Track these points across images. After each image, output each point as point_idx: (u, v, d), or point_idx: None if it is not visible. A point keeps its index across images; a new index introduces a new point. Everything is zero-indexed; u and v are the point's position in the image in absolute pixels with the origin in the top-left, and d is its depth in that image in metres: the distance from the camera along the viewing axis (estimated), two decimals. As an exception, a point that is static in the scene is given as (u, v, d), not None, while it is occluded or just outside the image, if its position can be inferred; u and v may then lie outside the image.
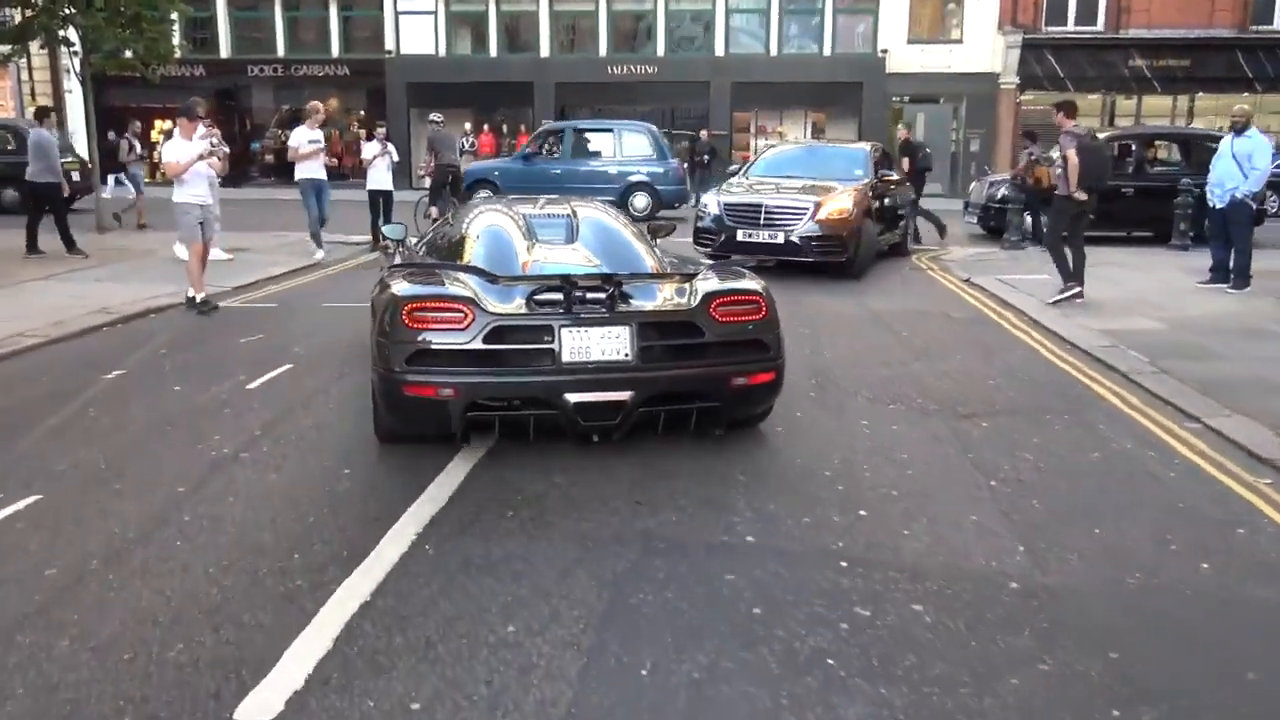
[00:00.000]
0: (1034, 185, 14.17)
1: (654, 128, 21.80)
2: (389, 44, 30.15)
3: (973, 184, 18.62)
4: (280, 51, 30.69)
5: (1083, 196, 9.93)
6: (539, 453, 5.06)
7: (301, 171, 13.13)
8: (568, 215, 5.98)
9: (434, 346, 4.65)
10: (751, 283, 5.26)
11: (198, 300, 9.10)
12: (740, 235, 11.70)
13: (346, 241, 14.74)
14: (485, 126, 30.28)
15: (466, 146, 30.21)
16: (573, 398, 4.64)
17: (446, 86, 29.52)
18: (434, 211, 16.29)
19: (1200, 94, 28.59)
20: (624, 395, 4.70)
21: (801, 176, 12.75)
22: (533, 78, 29.66)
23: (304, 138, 13.15)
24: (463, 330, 4.63)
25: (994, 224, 16.59)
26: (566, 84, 29.66)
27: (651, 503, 4.48)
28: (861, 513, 4.40)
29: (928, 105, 29.48)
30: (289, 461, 5.01)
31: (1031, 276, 11.18)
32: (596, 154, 21.05)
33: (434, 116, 16.47)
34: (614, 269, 5.11)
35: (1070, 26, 28.37)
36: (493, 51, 30.24)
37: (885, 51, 28.82)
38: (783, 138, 30.23)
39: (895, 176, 14.22)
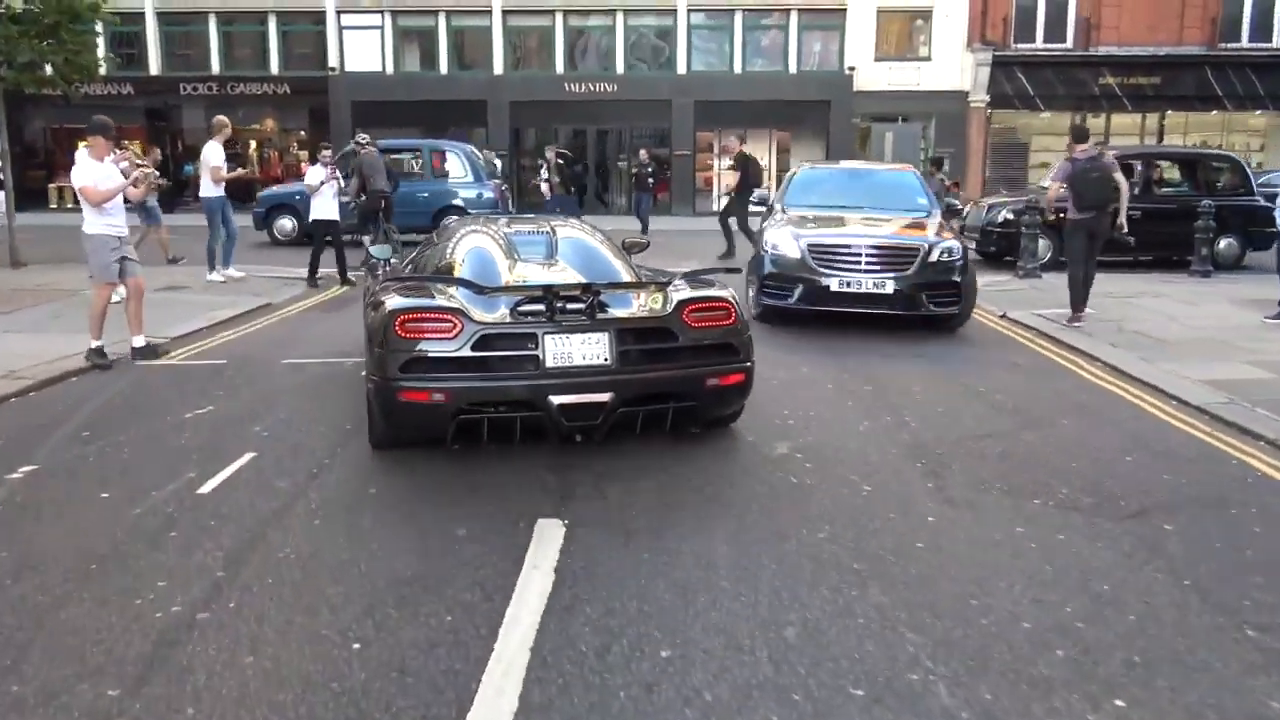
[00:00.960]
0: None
1: (472, 148, 19.81)
2: (332, 60, 28.49)
3: (968, 206, 17.51)
4: (215, 68, 28.85)
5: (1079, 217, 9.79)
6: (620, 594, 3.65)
7: (213, 190, 12.63)
8: (547, 233, 6.29)
9: (426, 354, 4.95)
10: (721, 291, 5.58)
11: (94, 347, 7.84)
12: (833, 283, 9.11)
13: (288, 277, 13.14)
14: (436, 147, 28.74)
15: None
16: (556, 400, 4.92)
17: (394, 105, 27.95)
18: (367, 242, 14.83)
19: (1170, 111, 28.14)
20: (604, 396, 4.98)
21: (862, 207, 10.52)
22: (485, 96, 28.21)
23: (220, 155, 12.74)
24: (452, 339, 4.94)
25: (995, 249, 15.58)
26: (521, 102, 28.25)
27: None
28: None
29: (896, 124, 28.58)
30: (268, 626, 3.50)
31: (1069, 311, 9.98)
32: (406, 176, 18.31)
33: (359, 137, 14.57)
34: (593, 280, 5.33)
35: (1039, 44, 27.74)
36: (443, 68, 28.72)
37: (852, 69, 27.90)
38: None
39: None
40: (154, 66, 28.81)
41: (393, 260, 7.35)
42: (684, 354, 5.24)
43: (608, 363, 5.01)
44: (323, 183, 12.84)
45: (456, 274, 5.66)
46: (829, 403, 6.79)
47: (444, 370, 4.96)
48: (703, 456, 5.52)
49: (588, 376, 4.98)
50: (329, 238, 12.80)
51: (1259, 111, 28.23)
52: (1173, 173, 17.22)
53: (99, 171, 7.80)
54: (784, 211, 10.69)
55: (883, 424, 6.19)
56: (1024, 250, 13.86)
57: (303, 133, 30.10)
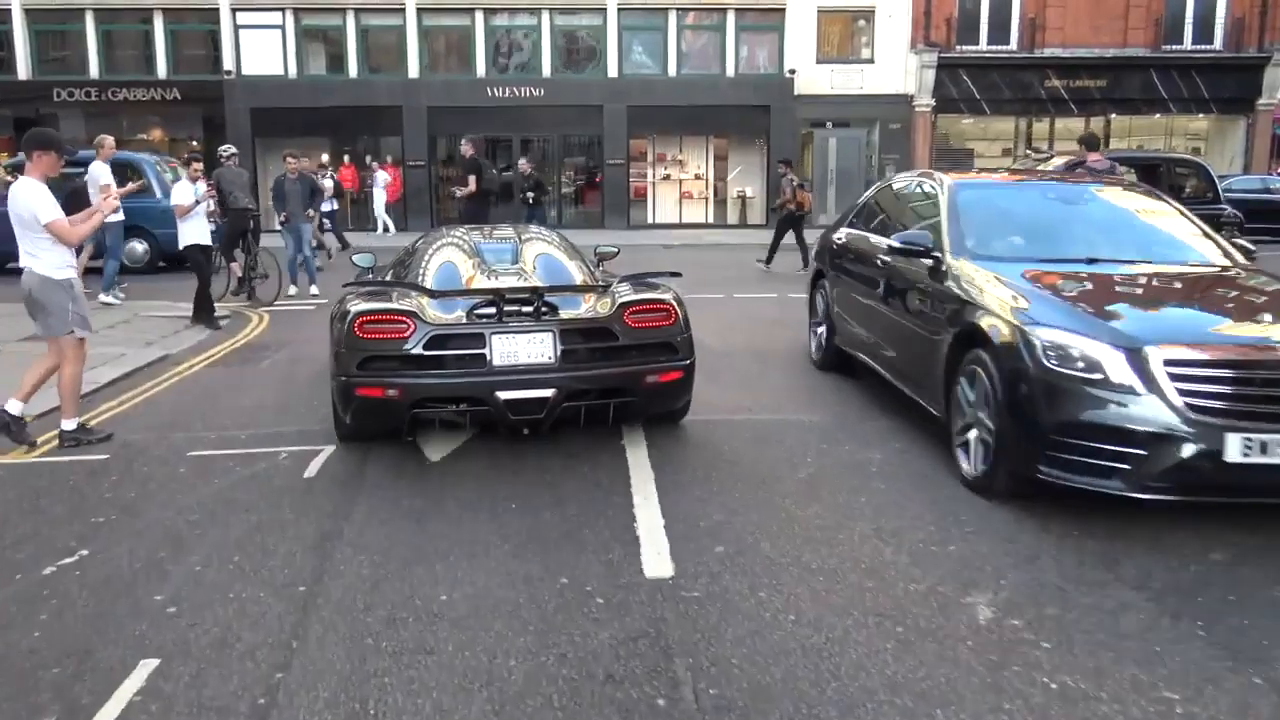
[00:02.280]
0: (796, 209, 16.12)
1: (151, 159, 16.71)
2: (228, 63, 25.84)
3: None
4: (94, 72, 25.93)
5: None
6: None
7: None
8: (514, 240, 6.74)
9: (381, 353, 5.31)
10: (662, 294, 5.79)
11: (71, 428, 6.06)
12: (1234, 449, 4.10)
13: (181, 316, 10.86)
14: (346, 158, 26.37)
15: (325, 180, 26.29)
16: (503, 395, 5.24)
17: (298, 112, 25.48)
18: (235, 269, 13.09)
19: (1115, 114, 27.38)
20: (548, 393, 5.28)
21: (1118, 259, 5.72)
22: (400, 101, 25.91)
23: (108, 174, 11.72)
24: (406, 339, 5.27)
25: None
26: (440, 108, 26.02)
27: None
28: None
29: (841, 130, 27.20)
30: None
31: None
32: (72, 194, 13.40)
33: (224, 149, 13.36)
34: (544, 285, 5.65)
35: (983, 46, 26.74)
36: (352, 72, 26.30)
37: (793, 72, 26.43)
38: (677, 163, 27.54)
39: None
40: (23, 70, 25.77)
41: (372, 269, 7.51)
42: (625, 353, 5.50)
43: (551, 361, 5.30)
44: (197, 201, 10.80)
45: (421, 280, 5.94)
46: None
47: (398, 368, 5.31)
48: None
49: (533, 374, 5.28)
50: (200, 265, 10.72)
51: (1201, 114, 27.69)
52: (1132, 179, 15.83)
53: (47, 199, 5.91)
54: (980, 266, 5.51)
55: None
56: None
57: (195, 143, 27.23)
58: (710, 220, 27.66)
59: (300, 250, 13.35)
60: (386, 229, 24.27)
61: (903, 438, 6.00)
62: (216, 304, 11.03)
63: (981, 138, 28.33)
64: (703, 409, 6.41)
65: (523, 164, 18.06)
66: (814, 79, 26.53)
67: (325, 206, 17.67)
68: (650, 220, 27.36)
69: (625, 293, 5.73)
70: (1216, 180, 16.33)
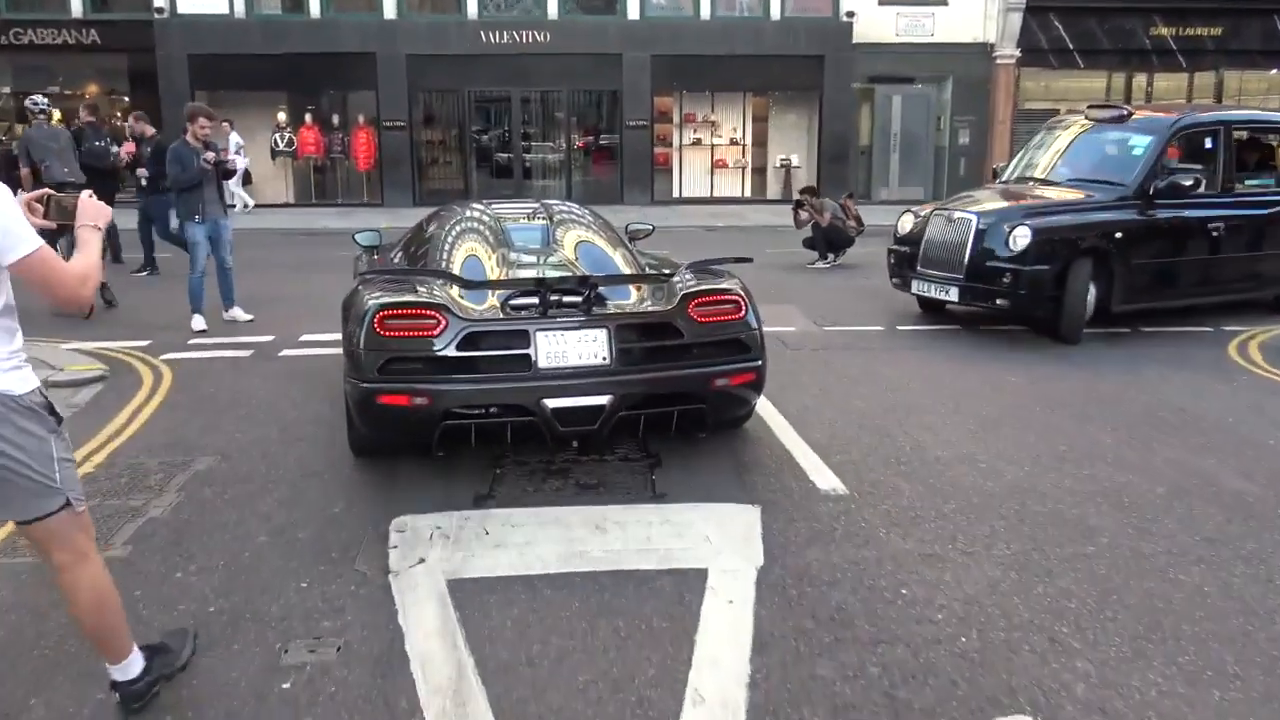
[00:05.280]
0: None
1: None
2: (158, 0, 20.83)
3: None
4: (-10, 9, 20.93)
5: None
6: None
7: None
8: (544, 219, 5.99)
9: (407, 354, 4.65)
10: (730, 283, 5.20)
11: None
12: None
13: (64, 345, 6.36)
14: (308, 117, 21.69)
15: (281, 145, 21.52)
16: (551, 403, 4.59)
17: (247, 60, 20.68)
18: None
19: (1227, 69, 23.05)
20: (603, 399, 4.63)
21: None
22: (374, 48, 21.06)
23: None
24: (436, 337, 4.61)
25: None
26: (422, 57, 21.21)
27: None
28: None
29: (906, 86, 22.69)
30: None
31: None
32: None
33: (33, 101, 10.92)
34: (590, 271, 5.15)
35: (1078, -15, 22.21)
36: (313, 10, 21.32)
37: (851, 15, 21.80)
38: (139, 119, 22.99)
39: None
40: (-100, 5, 20.70)
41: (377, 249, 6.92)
42: (690, 352, 4.87)
43: (606, 362, 4.66)
44: None
45: (443, 265, 5.38)
46: None
47: (427, 371, 4.65)
48: None
49: (584, 378, 4.63)
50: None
51: (1327, 72, 23.42)
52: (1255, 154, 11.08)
53: None
54: None
55: None
56: None
57: (125, 98, 22.30)
58: (748, 194, 23.15)
59: (219, 254, 8.80)
60: (246, 206, 20.12)
61: None
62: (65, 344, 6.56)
63: (1062, 98, 23.80)
64: None
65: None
66: (876, 24, 21.96)
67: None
68: (675, 194, 22.80)
69: (687, 282, 5.08)
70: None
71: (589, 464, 5.20)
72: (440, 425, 4.63)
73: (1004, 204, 8.80)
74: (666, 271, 5.34)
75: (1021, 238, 7.98)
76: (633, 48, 21.55)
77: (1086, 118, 9.98)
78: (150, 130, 12.10)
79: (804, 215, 12.78)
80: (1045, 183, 9.25)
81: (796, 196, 13.45)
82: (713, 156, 23.01)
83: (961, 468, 5.17)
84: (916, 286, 8.83)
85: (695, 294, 4.93)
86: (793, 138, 23.22)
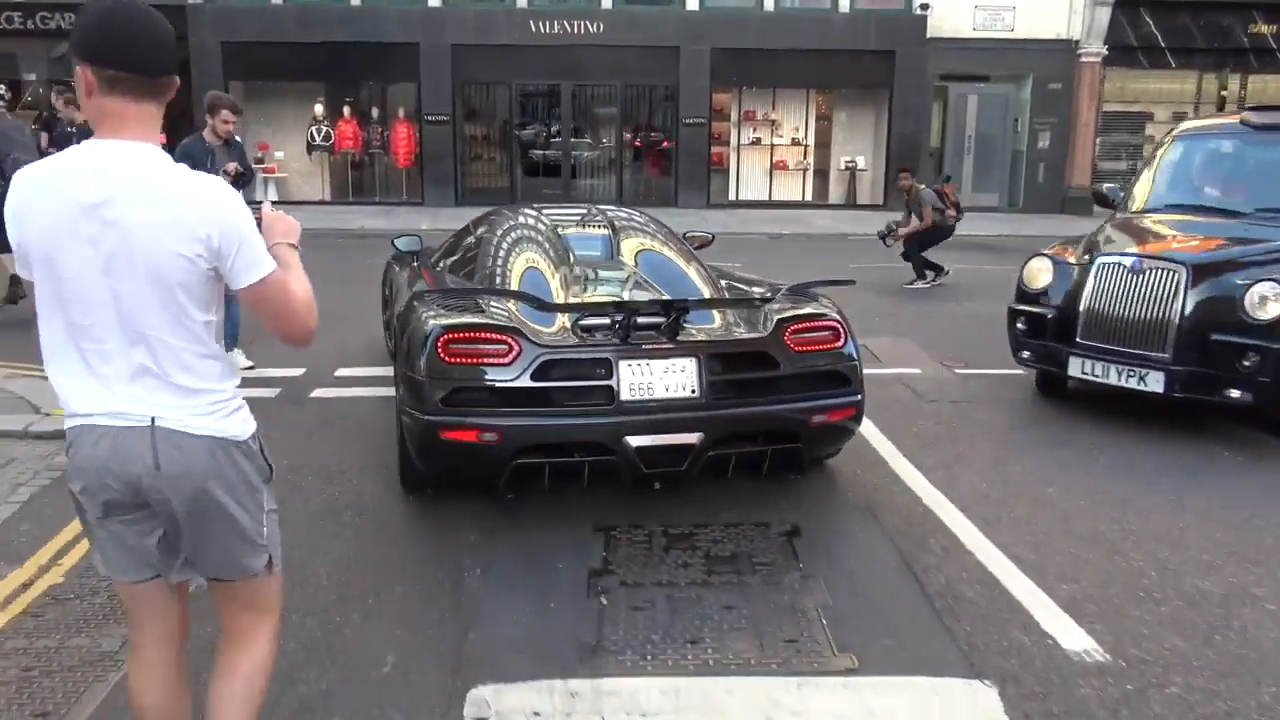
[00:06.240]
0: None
1: None
2: (191, -17, 19.69)
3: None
4: (15, -9, 19.92)
5: None
6: None
7: None
8: (605, 229, 5.46)
9: (474, 384, 4.18)
10: (827, 308, 4.74)
11: None
12: None
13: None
14: (346, 110, 20.53)
15: (318, 139, 20.34)
16: (634, 441, 4.12)
17: (284, 49, 19.59)
18: (6, 263, 8.12)
19: (1329, 73, 21.36)
20: (693, 438, 4.17)
21: None
22: (418, 38, 19.86)
23: None
24: (507, 365, 4.13)
25: None
26: (467, 47, 19.99)
27: None
28: None
29: (980, 84, 21.15)
30: None
31: None
32: None
33: None
34: (669, 291, 4.69)
35: (1172, -23, 20.59)
36: (354, -2, 20.19)
37: (926, 7, 20.30)
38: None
39: None
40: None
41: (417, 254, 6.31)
42: (786, 384, 4.40)
43: (695, 395, 4.19)
44: None
45: (499, 280, 4.92)
46: None
47: (497, 404, 4.15)
48: None
49: (673, 413, 4.16)
50: None
51: None
52: None
53: None
54: None
55: None
56: None
57: None
58: (809, 197, 21.71)
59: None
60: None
61: None
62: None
63: (1154, 100, 22.10)
64: None
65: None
66: (951, 18, 20.45)
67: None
68: (732, 196, 21.43)
69: (781, 307, 4.59)
70: None
71: (720, 535, 4.13)
72: (511, 464, 4.17)
73: (1214, 248, 6.23)
74: (758, 292, 4.87)
75: (1272, 299, 5.66)
76: (691, 40, 20.18)
77: (1244, 123, 8.41)
78: (80, 117, 10.65)
79: (905, 183, 11.69)
80: (1217, 212, 6.99)
81: (900, 176, 12.27)
82: (772, 157, 21.59)
83: (1245, 612, 3.75)
84: (1077, 367, 6.26)
85: (791, 319, 4.49)
86: (859, 138, 21.77)
